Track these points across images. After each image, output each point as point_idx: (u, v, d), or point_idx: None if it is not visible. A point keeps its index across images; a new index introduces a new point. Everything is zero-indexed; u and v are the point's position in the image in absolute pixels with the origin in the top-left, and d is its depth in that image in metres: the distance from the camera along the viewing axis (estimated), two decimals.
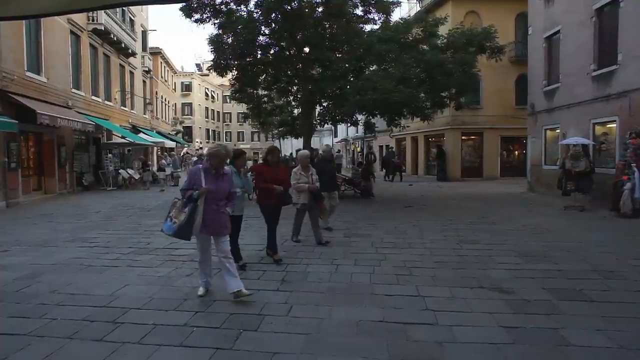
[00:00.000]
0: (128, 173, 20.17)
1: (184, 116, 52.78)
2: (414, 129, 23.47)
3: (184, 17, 14.48)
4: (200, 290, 4.57)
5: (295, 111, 19.56)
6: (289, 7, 13.94)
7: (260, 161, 8.32)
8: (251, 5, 14.85)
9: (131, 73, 25.27)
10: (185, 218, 4.25)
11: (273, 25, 14.83)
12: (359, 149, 40.06)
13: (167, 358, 3.23)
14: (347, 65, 14.45)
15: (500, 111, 21.87)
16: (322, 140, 44.37)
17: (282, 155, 30.27)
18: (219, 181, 4.44)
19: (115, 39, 20.92)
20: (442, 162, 22.71)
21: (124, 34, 22.41)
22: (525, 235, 7.87)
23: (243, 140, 66.77)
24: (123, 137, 20.83)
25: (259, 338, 3.54)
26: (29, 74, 14.02)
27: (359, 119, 16.54)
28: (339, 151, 34.13)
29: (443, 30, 14.95)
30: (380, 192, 16.15)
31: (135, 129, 24.86)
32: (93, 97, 19.34)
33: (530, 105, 16.51)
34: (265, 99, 17.75)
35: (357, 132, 36.65)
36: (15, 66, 13.29)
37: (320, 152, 9.18)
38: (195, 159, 41.54)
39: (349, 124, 18.04)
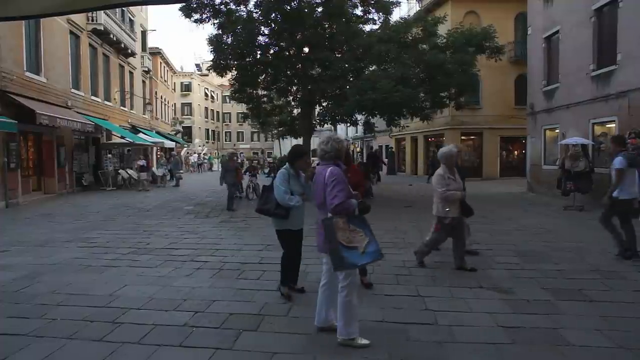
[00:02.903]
0: (127, 173, 20.16)
1: (184, 116, 52.78)
2: (414, 128, 23.48)
3: (184, 17, 14.49)
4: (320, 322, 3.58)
5: (295, 111, 19.57)
6: (288, 7, 13.95)
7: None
8: (251, 5, 14.87)
9: (131, 73, 25.26)
10: (371, 234, 3.39)
11: (272, 25, 14.83)
12: (358, 149, 40.08)
13: (166, 358, 3.23)
14: (346, 65, 14.46)
15: (499, 111, 21.89)
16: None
17: (281, 155, 30.26)
18: None
19: (114, 39, 20.92)
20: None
21: (124, 34, 22.41)
22: (525, 235, 7.88)
23: (243, 141, 66.77)
24: (122, 137, 20.83)
25: (258, 338, 3.54)
26: (28, 74, 14.02)
27: (358, 119, 16.55)
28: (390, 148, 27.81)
29: (442, 30, 14.95)
30: (380, 192, 16.15)
31: (135, 129, 24.87)
32: (92, 97, 19.33)
33: (530, 105, 16.52)
34: (265, 99, 17.75)
35: (356, 132, 36.68)
36: (15, 66, 13.28)
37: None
38: (192, 159, 41.75)
39: (348, 124, 18.05)
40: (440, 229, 5.56)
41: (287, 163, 4.35)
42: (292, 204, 4.16)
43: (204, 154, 47.23)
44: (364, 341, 3.35)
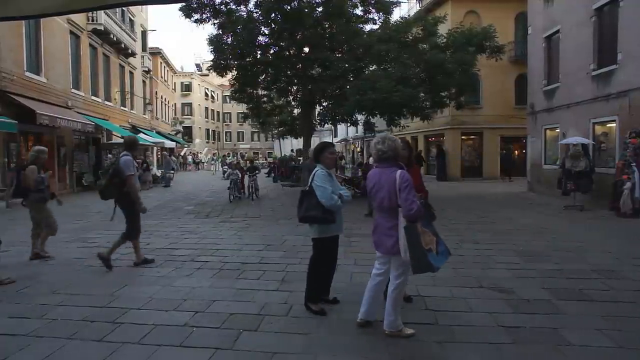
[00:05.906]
0: None
1: (184, 116, 52.80)
2: (414, 128, 23.45)
3: (184, 17, 14.53)
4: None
5: (295, 111, 19.59)
6: (288, 7, 13.96)
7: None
8: (251, 5, 14.91)
9: (131, 73, 25.27)
10: (436, 232, 3.46)
11: (273, 25, 14.86)
12: (358, 149, 40.07)
13: (166, 358, 3.23)
14: (346, 65, 14.48)
15: (499, 111, 21.87)
16: (323, 140, 44.19)
17: (282, 154, 30.22)
18: None
19: (114, 39, 20.93)
20: (442, 162, 22.70)
21: (124, 34, 22.42)
22: (525, 234, 7.87)
23: (243, 140, 66.79)
24: (123, 137, 20.80)
25: (259, 338, 3.54)
26: (28, 74, 14.02)
27: (358, 118, 16.55)
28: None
29: (443, 29, 14.95)
30: None
31: (135, 129, 24.86)
32: (93, 97, 19.34)
33: (530, 105, 16.51)
34: (265, 99, 17.77)
35: (356, 132, 36.63)
36: (15, 66, 13.29)
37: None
38: (189, 158, 41.77)
39: (348, 124, 18.07)
40: None
41: (316, 164, 4.05)
42: (340, 205, 3.89)
43: (210, 156, 47.37)
44: (410, 331, 3.52)
